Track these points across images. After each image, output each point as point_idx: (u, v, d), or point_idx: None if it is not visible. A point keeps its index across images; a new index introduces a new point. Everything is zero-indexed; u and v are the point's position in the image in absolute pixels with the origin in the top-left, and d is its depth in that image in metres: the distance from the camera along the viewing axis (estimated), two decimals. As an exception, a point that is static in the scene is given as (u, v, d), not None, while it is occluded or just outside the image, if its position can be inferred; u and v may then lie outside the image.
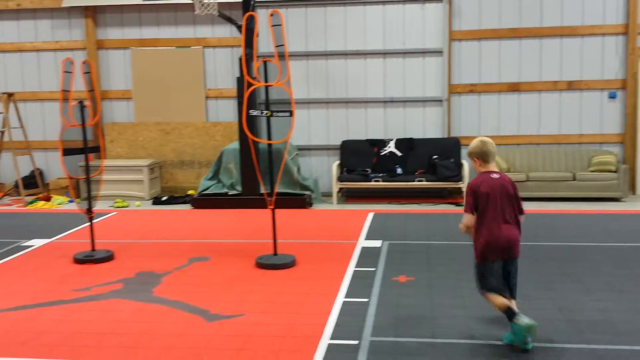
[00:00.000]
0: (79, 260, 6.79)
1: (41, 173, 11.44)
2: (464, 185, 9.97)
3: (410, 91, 10.81)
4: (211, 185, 10.41)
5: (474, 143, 4.62)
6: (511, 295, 4.54)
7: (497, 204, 4.42)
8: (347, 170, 10.54)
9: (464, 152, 10.53)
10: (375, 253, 6.97)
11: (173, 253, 7.16)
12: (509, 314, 4.35)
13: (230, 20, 9.80)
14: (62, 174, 10.95)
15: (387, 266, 6.44)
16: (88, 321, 5.04)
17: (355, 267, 6.43)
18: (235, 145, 10.35)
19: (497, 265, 4.48)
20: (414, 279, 5.98)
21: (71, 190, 10.24)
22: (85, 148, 7.01)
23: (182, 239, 7.89)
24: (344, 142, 10.84)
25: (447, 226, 8.30)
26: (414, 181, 10.12)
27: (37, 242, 7.78)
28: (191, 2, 8.90)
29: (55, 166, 11.37)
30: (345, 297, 5.53)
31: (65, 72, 7.01)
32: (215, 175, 10.55)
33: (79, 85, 7.91)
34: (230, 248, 7.39)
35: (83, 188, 9.92)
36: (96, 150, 7.49)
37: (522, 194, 4.76)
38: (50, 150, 11.43)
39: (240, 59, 9.89)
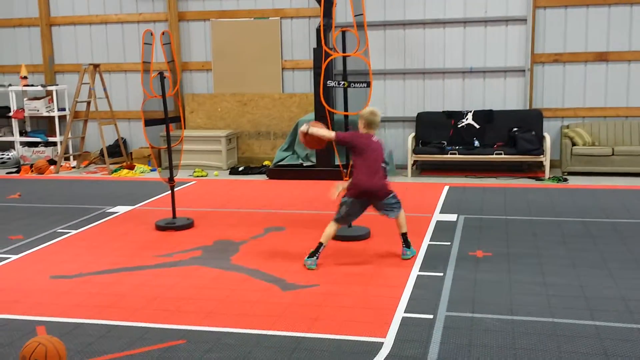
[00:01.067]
0: (160, 227, 7.03)
1: (125, 142, 11.86)
2: (545, 159, 9.63)
3: (490, 61, 10.47)
4: (286, 156, 10.50)
5: (367, 110, 5.80)
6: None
7: (369, 159, 5.71)
8: (423, 142, 10.37)
9: (546, 124, 10.15)
10: (450, 227, 6.86)
11: (249, 222, 7.30)
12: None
13: (307, -10, 9.74)
14: (145, 144, 11.32)
15: (463, 241, 6.32)
16: (168, 286, 5.22)
17: (430, 241, 6.35)
18: (310, 116, 10.36)
19: (359, 203, 5.74)
20: (492, 255, 5.85)
21: (153, 159, 10.57)
22: (166, 118, 7.19)
23: (258, 208, 8.01)
24: (419, 113, 10.66)
25: (527, 201, 8.06)
26: (492, 154, 9.85)
27: (121, 209, 8.10)
28: (269, -28, 8.90)
29: (138, 136, 11.78)
30: (420, 270, 5.48)
31: (146, 44, 7.17)
32: (290, 147, 10.63)
33: (160, 56, 8.09)
34: (305, 219, 7.45)
35: (164, 157, 10.21)
36: (176, 120, 7.68)
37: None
38: (134, 120, 11.83)
39: (317, 30, 9.84)
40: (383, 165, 5.89)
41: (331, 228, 5.73)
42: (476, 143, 10.13)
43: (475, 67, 10.51)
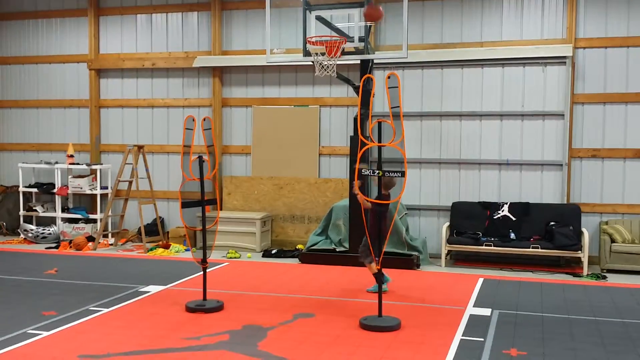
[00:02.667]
0: (190, 309, 7.03)
1: (162, 221, 12.08)
2: (583, 255, 9.43)
3: (527, 154, 10.49)
4: (320, 241, 10.52)
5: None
6: None
7: None
8: (457, 232, 10.30)
9: (584, 219, 10.01)
10: (484, 322, 6.69)
11: (279, 307, 7.25)
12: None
13: (347, 81, 10.05)
14: (181, 224, 11.51)
15: (497, 337, 6.15)
16: (194, 370, 5.17)
17: (463, 336, 6.19)
18: (345, 202, 10.44)
19: None
20: (526, 354, 5.66)
21: (188, 240, 10.71)
22: (202, 200, 7.34)
23: (289, 293, 7.97)
24: (454, 203, 10.64)
25: (564, 298, 7.84)
26: (528, 247, 9.69)
27: (153, 288, 8.15)
28: (312, 64, 9.24)
29: (175, 215, 12.00)
30: (451, 367, 5.32)
31: (187, 129, 7.45)
32: (324, 231, 10.66)
33: (200, 140, 8.35)
34: (336, 305, 7.37)
35: (200, 238, 10.32)
36: (213, 202, 7.83)
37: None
38: (172, 200, 12.09)
39: (355, 119, 10.08)
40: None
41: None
42: (512, 235, 10.00)
43: (512, 160, 10.53)
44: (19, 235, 12.15)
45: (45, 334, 6.15)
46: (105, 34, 12.56)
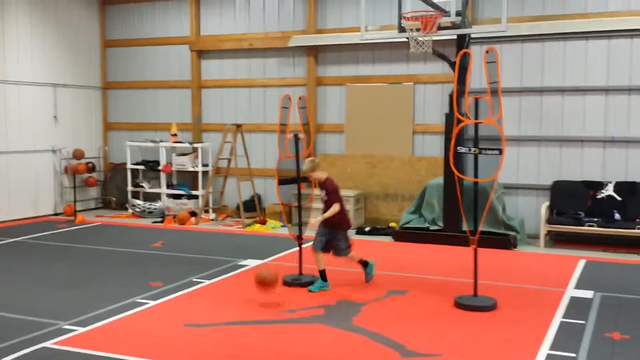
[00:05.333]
0: (287, 283, 7.25)
1: (259, 198, 12.44)
2: (696, 238, 8.88)
3: (635, 130, 9.95)
4: (413, 219, 10.49)
5: (308, 162, 7.10)
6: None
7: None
8: (558, 212, 9.96)
9: (698, 200, 9.40)
10: (585, 304, 6.48)
11: (372, 284, 7.33)
12: (363, 262, 7.37)
13: (443, 57, 9.88)
14: (277, 200, 11.80)
15: (599, 320, 5.95)
16: (291, 342, 5.36)
17: (563, 318, 6.04)
18: (439, 180, 10.34)
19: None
20: (630, 337, 5.45)
21: (284, 216, 10.98)
22: (298, 178, 7.51)
23: (382, 270, 8.03)
24: (555, 182, 10.28)
25: (674, 282, 7.45)
26: (634, 228, 9.24)
27: (251, 262, 8.46)
28: (406, 40, 9.16)
29: (271, 192, 12.31)
30: (550, 349, 5.21)
31: (284, 107, 7.61)
32: (417, 209, 10.61)
33: (296, 118, 8.51)
34: (429, 284, 7.37)
35: (295, 214, 10.56)
36: (308, 179, 7.98)
37: None
38: (269, 177, 12.40)
39: (450, 95, 9.90)
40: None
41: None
42: (617, 216, 9.57)
43: (618, 137, 10.02)
44: (127, 209, 12.90)
45: (152, 303, 6.55)
46: (205, 15, 12.97)
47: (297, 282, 7.24)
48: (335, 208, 6.92)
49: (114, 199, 13.52)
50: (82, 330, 5.64)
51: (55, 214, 12.65)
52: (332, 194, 7.02)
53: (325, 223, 7.01)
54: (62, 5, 12.92)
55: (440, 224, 10.09)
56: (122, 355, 5.05)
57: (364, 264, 7.38)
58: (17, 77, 11.95)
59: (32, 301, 6.58)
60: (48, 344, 5.27)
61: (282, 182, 7.54)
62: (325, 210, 7.02)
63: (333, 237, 7.09)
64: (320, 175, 7.11)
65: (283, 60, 12.40)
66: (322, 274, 7.10)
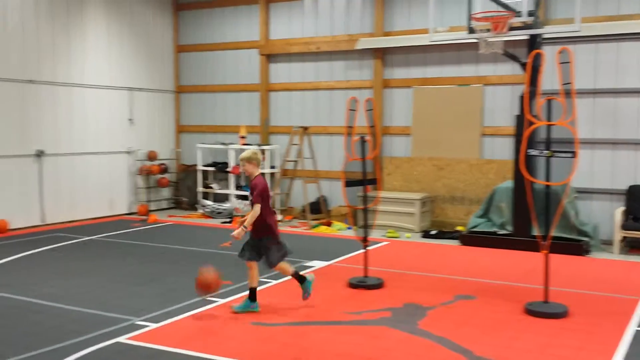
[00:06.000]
0: (352, 285, 7.28)
1: (325, 200, 12.52)
2: None
3: None
4: (480, 223, 10.31)
5: (250, 151, 6.46)
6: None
7: (269, 198, 6.41)
8: (634, 217, 9.57)
9: None
10: (663, 314, 6.22)
11: (439, 288, 7.27)
12: (299, 276, 6.52)
13: (514, 58, 9.69)
14: (343, 202, 11.85)
15: (678, 331, 5.70)
16: (356, 344, 5.38)
17: (638, 327, 5.82)
18: (508, 184, 10.13)
19: (278, 238, 6.42)
20: None
21: (350, 218, 11.02)
22: (364, 180, 7.53)
23: (449, 274, 7.95)
24: (631, 186, 9.89)
25: None
26: None
27: (317, 264, 8.53)
28: (476, 41, 9.03)
29: (337, 194, 12.38)
30: (624, 359, 5.03)
31: (350, 110, 7.65)
32: (485, 213, 10.43)
33: (362, 121, 8.54)
34: (497, 289, 7.24)
35: (361, 217, 10.58)
36: (374, 182, 7.99)
37: None
38: (335, 179, 12.47)
39: (521, 97, 9.70)
40: None
41: (284, 267, 6.45)
42: (699, 223, 9.12)
43: (700, 140, 9.57)
44: (197, 210, 13.25)
45: (221, 301, 6.70)
46: (274, 20, 13.18)
47: (362, 284, 7.26)
48: (254, 211, 6.18)
49: (185, 199, 13.91)
50: (154, 327, 5.84)
51: (130, 213, 13.13)
52: (255, 195, 6.22)
53: (251, 230, 6.32)
54: (138, 12, 13.42)
55: (509, 228, 9.89)
56: (192, 351, 5.20)
57: (300, 278, 6.53)
58: (95, 81, 12.49)
59: (106, 297, 6.87)
60: (122, 339, 5.49)
61: (349, 184, 7.58)
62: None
63: (260, 246, 6.34)
64: (252, 170, 6.38)
65: (350, 63, 12.45)
66: (251, 293, 6.34)
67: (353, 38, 12.21)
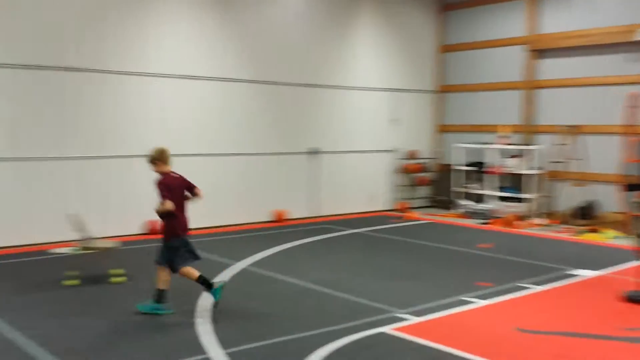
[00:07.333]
0: (630, 298, 6.62)
1: (594, 205, 11.57)
2: None
3: None
4: None
5: (155, 149, 6.02)
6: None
7: (180, 197, 6.02)
8: None
9: None
10: None
11: None
12: (205, 281, 6.05)
13: None
14: (614, 208, 10.84)
15: None
16: (636, 363, 4.90)
17: None
18: None
19: (183, 241, 6.02)
20: None
21: (625, 226, 10.03)
22: (645, 185, 6.81)
23: None
24: None
25: None
26: None
27: (583, 272, 7.93)
28: None
29: (608, 199, 11.31)
30: None
31: (630, 107, 6.95)
32: None
33: (645, 120, 7.72)
34: None
35: (636, 225, 9.61)
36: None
37: None
38: (606, 183, 11.44)
39: None
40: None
41: (188, 272, 6.02)
42: None
43: None
44: (453, 209, 13.21)
45: (481, 302, 6.59)
46: (544, 14, 12.54)
47: (640, 299, 6.57)
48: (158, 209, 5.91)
49: (444, 198, 13.97)
50: (416, 320, 5.96)
51: (388, 210, 13.60)
52: (159, 195, 5.90)
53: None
54: (404, 15, 13.81)
55: None
56: (455, 349, 5.18)
57: (207, 285, 6.07)
58: (363, 83, 13.16)
59: (370, 288, 7.19)
60: (386, 329, 5.69)
61: (630, 188, 6.91)
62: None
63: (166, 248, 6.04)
64: (158, 169, 6.00)
65: (626, 55, 11.32)
66: (159, 295, 6.04)
67: (632, 29, 11.07)
